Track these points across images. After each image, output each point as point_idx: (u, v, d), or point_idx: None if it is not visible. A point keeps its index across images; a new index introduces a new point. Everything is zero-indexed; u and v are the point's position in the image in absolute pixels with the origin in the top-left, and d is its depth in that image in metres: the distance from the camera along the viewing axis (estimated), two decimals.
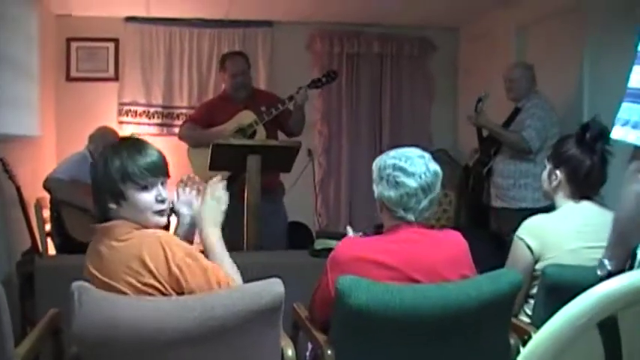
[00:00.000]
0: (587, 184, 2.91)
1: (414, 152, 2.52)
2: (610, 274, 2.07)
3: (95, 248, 2.31)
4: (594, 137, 2.88)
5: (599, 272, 2.17)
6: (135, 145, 2.39)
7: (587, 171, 2.88)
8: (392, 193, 2.48)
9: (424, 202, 2.48)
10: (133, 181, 2.31)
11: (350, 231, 3.17)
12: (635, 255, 2.00)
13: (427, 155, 2.54)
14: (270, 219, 4.80)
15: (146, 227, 2.33)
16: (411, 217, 2.49)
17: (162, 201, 2.38)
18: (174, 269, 2.19)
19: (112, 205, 2.32)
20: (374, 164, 2.60)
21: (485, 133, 5.22)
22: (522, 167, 4.81)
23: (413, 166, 2.46)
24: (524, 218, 3.01)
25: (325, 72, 5.40)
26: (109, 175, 2.30)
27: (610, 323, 1.04)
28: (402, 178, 2.45)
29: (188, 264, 2.23)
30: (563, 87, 5.18)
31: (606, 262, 2.09)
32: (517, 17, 5.96)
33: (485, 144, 5.20)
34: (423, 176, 2.45)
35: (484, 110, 5.08)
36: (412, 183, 2.45)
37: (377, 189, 2.55)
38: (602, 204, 2.95)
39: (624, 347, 1.07)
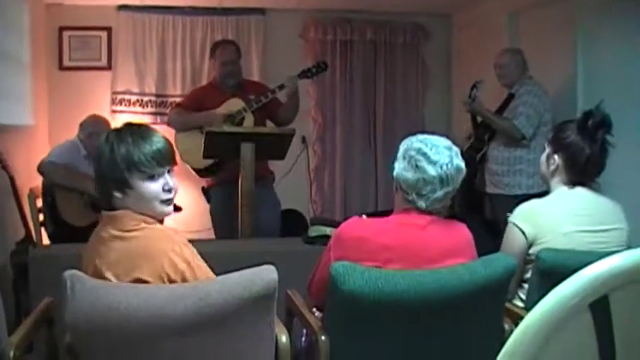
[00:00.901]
0: (584, 172, 2.90)
1: (442, 142, 2.50)
2: None
3: (100, 236, 2.26)
4: (596, 125, 2.87)
5: None
6: (140, 131, 2.32)
7: (586, 159, 2.87)
8: (409, 175, 2.46)
9: (439, 193, 2.45)
10: (139, 170, 2.24)
11: None
12: None
13: (455, 149, 2.51)
14: (263, 207, 4.81)
15: (152, 217, 2.29)
16: (422, 203, 2.47)
17: (170, 190, 2.32)
18: (182, 265, 2.19)
19: (117, 194, 2.26)
20: (402, 144, 2.57)
21: (479, 119, 5.22)
22: (517, 153, 4.81)
23: (437, 154, 2.44)
24: (519, 205, 3.01)
25: (316, 62, 5.38)
26: (115, 162, 2.23)
27: (602, 304, 1.04)
28: (423, 163, 2.43)
29: (193, 260, 2.24)
30: (557, 72, 5.18)
31: None
32: (509, 3, 5.95)
33: (480, 130, 5.19)
34: (444, 167, 2.43)
35: (479, 97, 5.07)
36: (432, 171, 2.42)
37: (397, 168, 2.52)
38: (597, 191, 2.95)
39: (616, 328, 1.07)
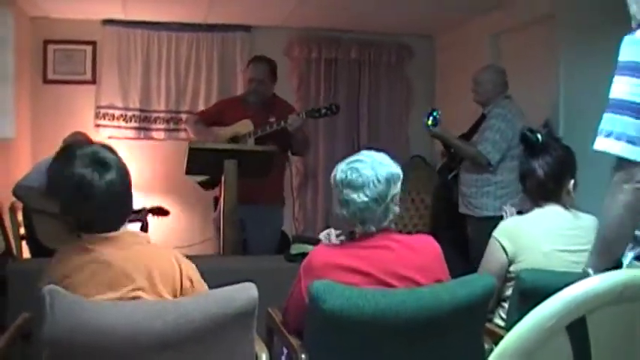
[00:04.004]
0: (541, 193, 2.97)
1: (364, 160, 2.48)
2: None
3: (96, 260, 2.21)
4: (528, 153, 3.02)
5: None
6: None
7: (526, 178, 3.01)
8: (344, 212, 2.47)
9: (379, 212, 2.45)
10: None
11: (333, 233, 3.11)
12: (621, 264, 2.02)
13: (379, 158, 2.49)
14: (262, 228, 4.87)
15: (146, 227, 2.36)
16: (371, 228, 2.48)
17: None
18: (186, 282, 2.25)
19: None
20: (331, 179, 2.56)
21: None
22: (484, 176, 4.75)
23: (361, 177, 2.42)
24: (487, 226, 3.04)
25: (328, 104, 5.16)
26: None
27: (579, 326, 1.05)
28: (351, 195, 2.42)
29: (197, 279, 2.31)
30: (538, 93, 5.20)
31: (590, 271, 2.08)
32: (491, 25, 5.99)
33: (452, 151, 5.18)
34: (372, 186, 2.41)
35: (441, 122, 4.93)
36: (362, 197, 2.41)
37: (334, 208, 2.54)
38: (569, 207, 2.97)
39: (593, 350, 1.07)
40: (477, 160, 4.72)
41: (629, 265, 2.01)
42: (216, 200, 5.44)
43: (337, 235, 3.08)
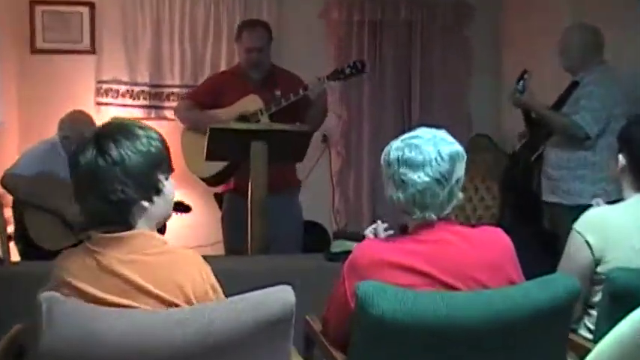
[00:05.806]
0: None
1: (422, 136, 2.48)
2: None
3: (99, 265, 2.19)
4: None
5: None
6: (133, 123, 2.39)
7: None
8: (400, 195, 2.46)
9: (442, 195, 2.44)
10: (168, 166, 2.35)
11: (381, 227, 3.11)
12: None
13: (440, 135, 2.49)
14: (283, 222, 4.85)
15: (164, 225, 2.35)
16: (431, 215, 2.47)
17: None
18: (210, 291, 2.25)
19: (145, 204, 2.25)
20: (381, 158, 2.56)
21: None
22: (579, 155, 4.70)
23: (421, 154, 2.42)
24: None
25: (351, 62, 5.26)
26: (144, 163, 2.24)
27: None
28: (410, 175, 2.42)
29: (216, 286, 2.30)
30: (629, 54, 5.12)
31: None
32: None
33: (535, 126, 5.12)
34: (434, 164, 2.41)
35: (529, 88, 4.96)
36: (422, 177, 2.41)
37: (386, 190, 2.53)
38: None
39: None
40: (572, 132, 4.66)
41: None
42: (217, 197, 5.49)
43: (386, 229, 3.08)
